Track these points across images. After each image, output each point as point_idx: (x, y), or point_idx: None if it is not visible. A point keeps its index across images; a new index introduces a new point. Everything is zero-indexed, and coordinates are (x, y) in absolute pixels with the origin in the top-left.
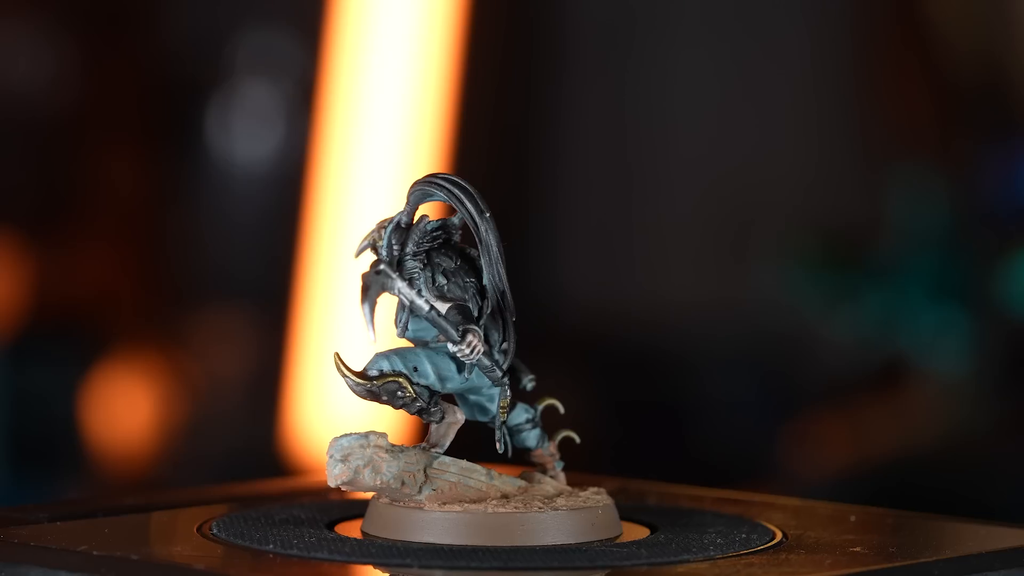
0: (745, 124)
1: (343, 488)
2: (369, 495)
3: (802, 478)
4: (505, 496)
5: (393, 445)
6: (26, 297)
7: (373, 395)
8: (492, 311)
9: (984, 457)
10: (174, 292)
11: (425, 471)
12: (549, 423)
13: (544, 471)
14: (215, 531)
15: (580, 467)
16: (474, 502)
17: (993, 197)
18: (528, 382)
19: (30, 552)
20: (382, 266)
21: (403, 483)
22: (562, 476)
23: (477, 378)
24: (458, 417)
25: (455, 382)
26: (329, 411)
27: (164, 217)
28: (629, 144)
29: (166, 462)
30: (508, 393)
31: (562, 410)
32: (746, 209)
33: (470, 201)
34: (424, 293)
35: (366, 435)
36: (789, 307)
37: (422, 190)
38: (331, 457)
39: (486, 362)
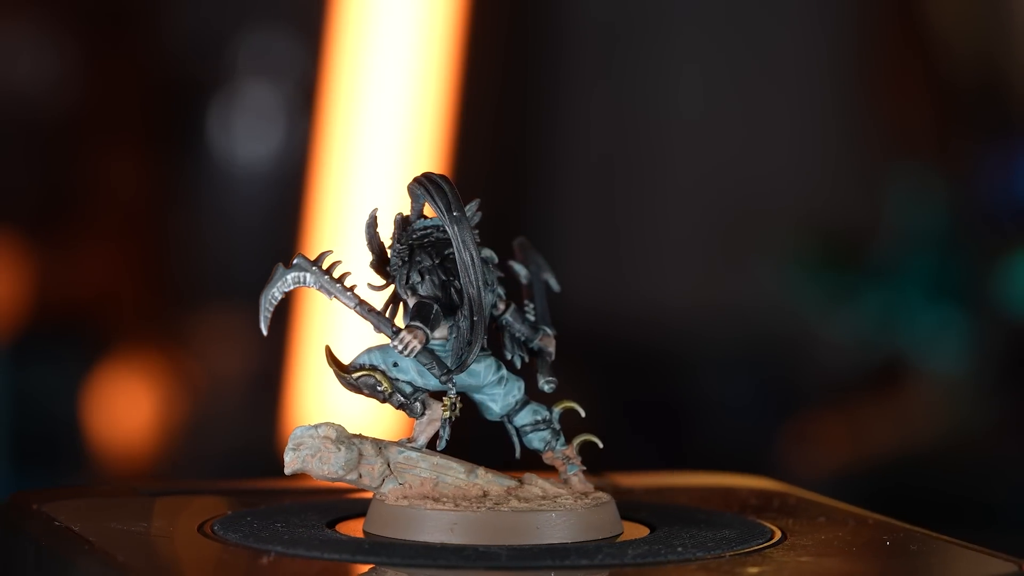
0: (744, 125)
1: (326, 478)
2: (370, 493)
3: (801, 477)
4: (485, 494)
5: (351, 437)
6: (28, 297)
7: (354, 388)
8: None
9: (982, 456)
10: (175, 292)
11: (389, 465)
12: (568, 427)
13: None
14: (216, 530)
15: (589, 464)
16: (439, 499)
17: (991, 197)
18: (545, 384)
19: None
20: (297, 259)
21: (360, 475)
22: (574, 480)
23: (469, 376)
24: (440, 414)
25: (436, 380)
26: (330, 410)
27: (166, 217)
28: (629, 145)
29: (167, 461)
30: (453, 392)
31: (583, 413)
32: (745, 210)
33: (441, 200)
34: (399, 288)
35: (317, 426)
36: (788, 307)
37: (410, 189)
38: (287, 446)
39: (424, 359)
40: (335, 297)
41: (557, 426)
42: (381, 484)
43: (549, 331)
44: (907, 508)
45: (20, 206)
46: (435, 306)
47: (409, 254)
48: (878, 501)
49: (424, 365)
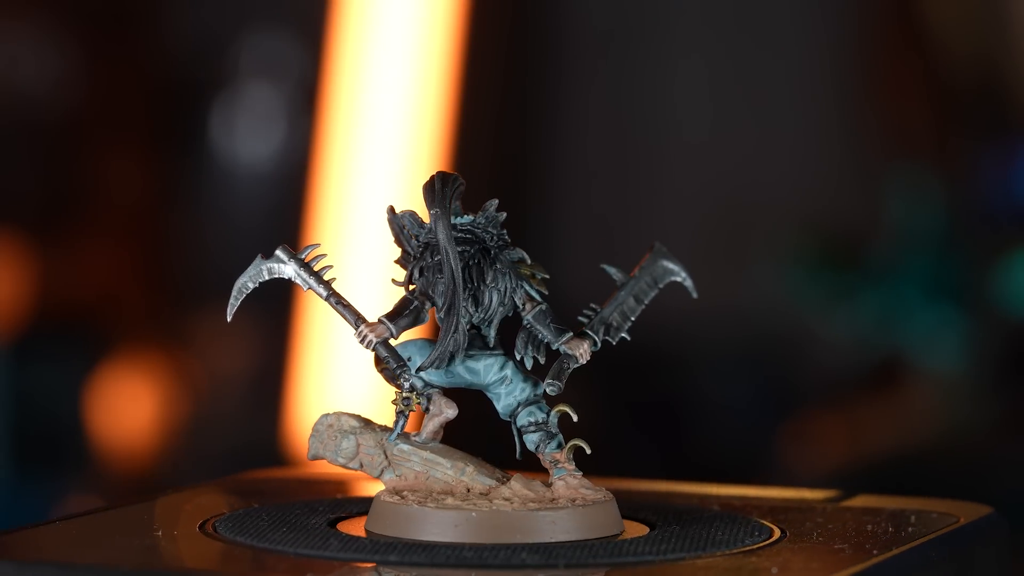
0: (743, 125)
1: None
2: (372, 492)
3: (800, 477)
4: (469, 491)
5: (357, 426)
6: (31, 297)
7: (384, 379)
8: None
9: (980, 455)
10: (177, 292)
11: (387, 456)
12: (565, 430)
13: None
14: (218, 529)
15: (582, 468)
16: (426, 493)
17: (989, 197)
18: (546, 386)
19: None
20: (278, 250)
21: (362, 464)
22: (559, 484)
23: (469, 374)
24: (442, 410)
25: (436, 375)
26: (331, 409)
27: (167, 217)
28: (628, 145)
29: (169, 461)
30: (407, 386)
31: (575, 418)
32: (744, 210)
33: (428, 196)
34: (405, 284)
35: (328, 414)
36: (787, 307)
37: None
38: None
39: (383, 351)
40: (310, 288)
41: (554, 429)
42: (381, 474)
43: (596, 337)
44: None
45: (23, 206)
46: (414, 303)
47: (421, 251)
48: None
49: (382, 358)
